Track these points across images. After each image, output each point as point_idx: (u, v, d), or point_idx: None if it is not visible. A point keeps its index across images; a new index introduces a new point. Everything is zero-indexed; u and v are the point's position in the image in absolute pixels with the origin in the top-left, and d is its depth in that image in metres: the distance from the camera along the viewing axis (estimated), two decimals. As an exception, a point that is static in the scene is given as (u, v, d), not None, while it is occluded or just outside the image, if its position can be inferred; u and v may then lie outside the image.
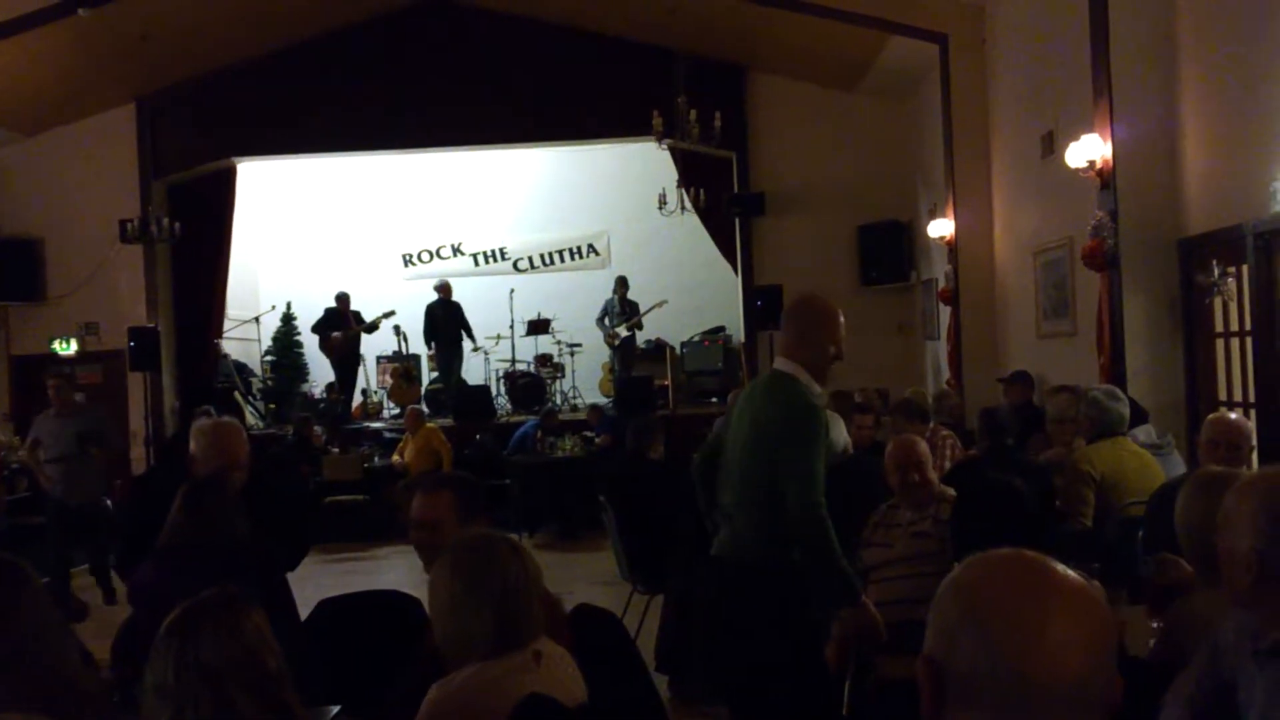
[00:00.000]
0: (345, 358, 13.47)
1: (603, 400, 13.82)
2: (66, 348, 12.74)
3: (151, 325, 12.43)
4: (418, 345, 14.21)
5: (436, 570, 2.43)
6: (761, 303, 12.26)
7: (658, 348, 14.09)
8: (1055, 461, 5.50)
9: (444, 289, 13.85)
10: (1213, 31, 6.24)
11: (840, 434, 5.40)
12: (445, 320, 13.65)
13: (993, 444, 5.66)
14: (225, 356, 13.66)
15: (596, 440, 11.13)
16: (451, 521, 3.09)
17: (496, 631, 2.32)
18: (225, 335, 13.58)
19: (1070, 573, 1.27)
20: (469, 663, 2.33)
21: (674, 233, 13.79)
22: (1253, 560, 1.97)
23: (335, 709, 2.88)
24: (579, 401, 13.71)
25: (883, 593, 3.97)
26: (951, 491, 4.15)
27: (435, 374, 14.03)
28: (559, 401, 13.64)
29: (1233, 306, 6.08)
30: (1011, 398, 8.05)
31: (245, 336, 14.12)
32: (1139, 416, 5.46)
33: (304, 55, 12.83)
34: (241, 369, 14.04)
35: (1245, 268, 5.81)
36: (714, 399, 13.03)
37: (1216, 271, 6.01)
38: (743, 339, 13.16)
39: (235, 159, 13.45)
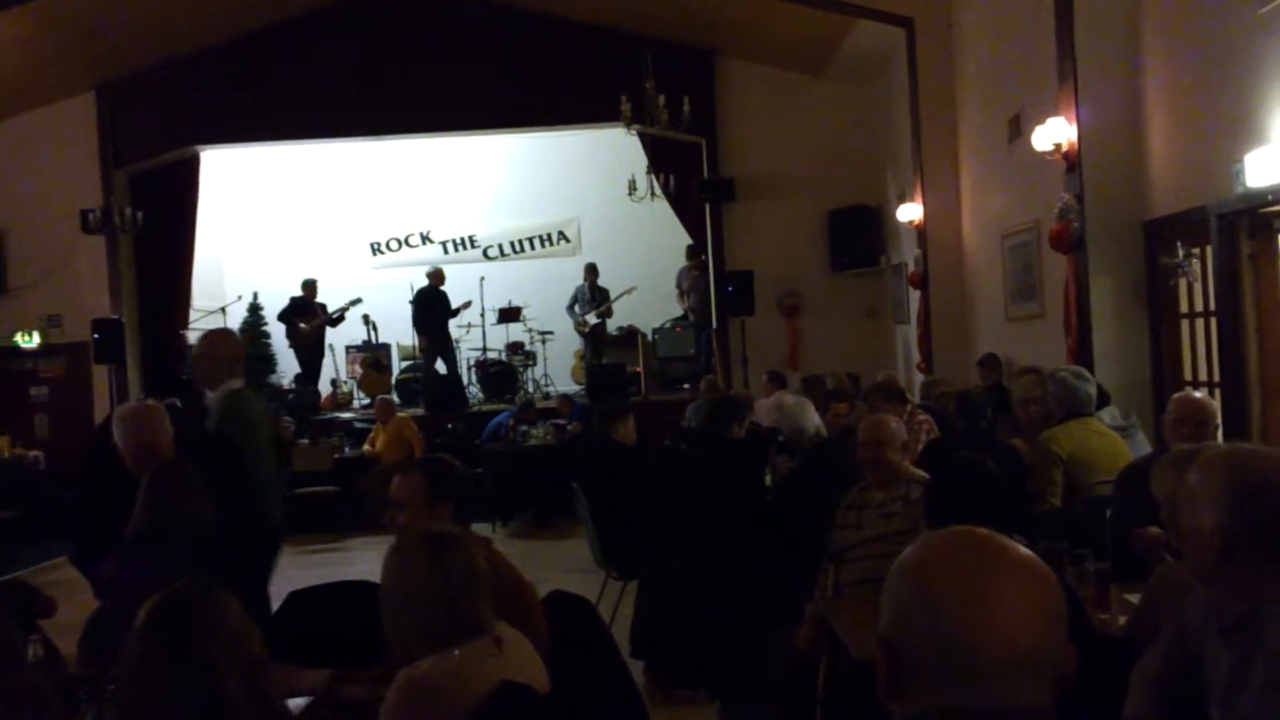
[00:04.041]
0: (310, 348, 13.36)
1: (575, 388, 13.79)
2: (29, 340, 12.58)
3: (115, 317, 12.29)
4: (387, 334, 14.11)
5: (383, 563, 2.45)
6: (733, 288, 12.28)
7: (629, 334, 14.07)
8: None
9: (435, 276, 13.68)
10: (1176, 15, 6.28)
11: (812, 418, 5.42)
12: (434, 308, 13.52)
13: (967, 425, 5.73)
14: (191, 348, 13.50)
15: (569, 428, 11.11)
16: (419, 503, 3.10)
17: (431, 627, 2.34)
18: (191, 326, 13.43)
19: (1018, 547, 1.30)
20: (411, 653, 2.34)
21: (645, 219, 13.74)
22: (1217, 536, 1.98)
23: (306, 699, 2.86)
24: (551, 389, 13.68)
25: (853, 573, 3.99)
26: (921, 473, 4.18)
27: (415, 360, 13.97)
28: (531, 389, 13.60)
29: (1197, 287, 6.14)
30: (984, 380, 8.15)
31: (212, 327, 13.96)
32: (1102, 399, 5.51)
33: (267, 42, 12.67)
34: (209, 360, 13.88)
35: (1209, 249, 5.87)
36: (686, 385, 13.04)
37: (1181, 253, 6.07)
38: (714, 324, 13.17)
39: (199, 147, 13.28)
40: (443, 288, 13.50)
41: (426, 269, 13.88)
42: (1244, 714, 1.90)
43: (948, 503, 3.32)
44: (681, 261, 13.65)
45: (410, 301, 13.58)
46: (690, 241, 13.39)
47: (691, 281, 13.40)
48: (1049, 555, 3.17)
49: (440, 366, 13.37)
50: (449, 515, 3.21)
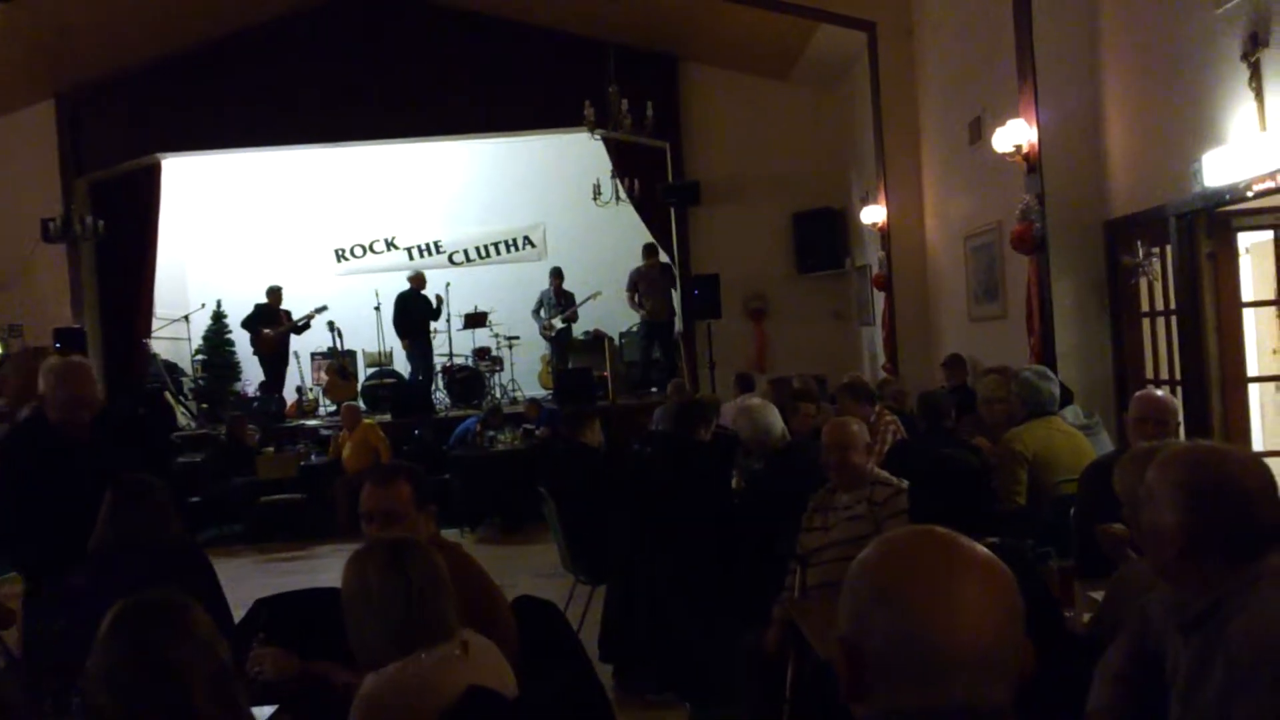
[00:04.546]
0: (274, 355, 13.25)
1: (542, 393, 13.76)
2: (-12, 351, 12.38)
3: (77, 326, 12.14)
4: (353, 341, 14.02)
5: (343, 572, 2.43)
6: (699, 292, 12.30)
7: (596, 339, 14.05)
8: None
9: (416, 280, 13.59)
10: (1134, 16, 6.36)
11: (776, 421, 5.43)
12: (415, 311, 13.43)
13: (931, 426, 5.77)
14: (155, 356, 13.37)
15: (537, 433, 11.08)
16: (411, 510, 3.08)
17: (394, 631, 2.34)
18: (154, 335, 13.28)
19: (976, 545, 1.29)
20: (375, 659, 2.33)
21: (609, 223, 13.75)
22: (1176, 534, 2.00)
23: (272, 708, 2.84)
24: (519, 394, 13.65)
25: (820, 575, 4.01)
26: (887, 475, 4.20)
27: (384, 366, 13.94)
28: (498, 395, 13.56)
29: (1158, 286, 6.21)
30: (948, 380, 8.21)
31: (175, 336, 13.82)
32: (1065, 398, 5.57)
33: (229, 48, 12.57)
34: (172, 369, 13.75)
35: (1169, 248, 5.94)
36: (654, 389, 13.04)
37: (1141, 252, 6.14)
38: (680, 328, 13.19)
39: (160, 155, 13.15)
40: (424, 291, 13.44)
41: (407, 273, 13.85)
42: (1203, 710, 1.92)
43: (926, 500, 3.36)
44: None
45: (377, 306, 13.49)
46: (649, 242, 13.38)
47: (650, 283, 13.27)
48: (1013, 553, 3.20)
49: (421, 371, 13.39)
50: (434, 517, 3.21)
